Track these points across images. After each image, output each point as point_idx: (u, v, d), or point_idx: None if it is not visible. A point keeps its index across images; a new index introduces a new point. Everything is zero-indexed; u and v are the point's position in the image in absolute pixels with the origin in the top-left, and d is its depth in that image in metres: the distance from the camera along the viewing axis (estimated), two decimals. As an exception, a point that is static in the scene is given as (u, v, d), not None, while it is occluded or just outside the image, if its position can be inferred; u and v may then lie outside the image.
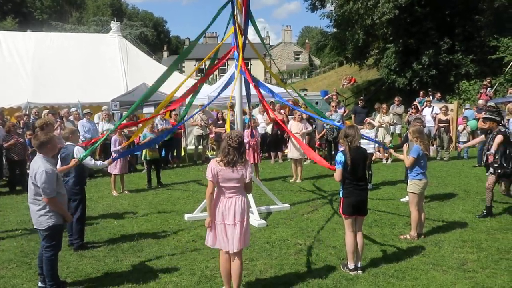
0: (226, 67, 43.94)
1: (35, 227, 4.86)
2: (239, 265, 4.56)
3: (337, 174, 5.30)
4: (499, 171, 7.14)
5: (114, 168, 9.76)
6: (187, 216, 7.74)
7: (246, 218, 4.58)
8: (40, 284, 4.99)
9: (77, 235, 6.24)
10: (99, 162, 6.65)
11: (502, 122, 7.34)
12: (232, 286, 4.61)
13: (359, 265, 5.30)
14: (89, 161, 6.14)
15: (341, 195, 5.38)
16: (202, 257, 5.84)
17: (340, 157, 5.29)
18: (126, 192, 10.01)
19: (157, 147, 11.10)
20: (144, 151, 10.75)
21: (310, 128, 12.12)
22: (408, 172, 6.57)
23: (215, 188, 4.55)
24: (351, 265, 5.28)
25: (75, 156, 6.05)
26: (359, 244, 5.33)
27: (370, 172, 9.75)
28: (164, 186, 10.60)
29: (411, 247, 6.02)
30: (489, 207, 7.37)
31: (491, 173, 7.29)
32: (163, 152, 13.33)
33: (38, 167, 4.66)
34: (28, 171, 9.89)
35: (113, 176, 9.90)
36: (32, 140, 4.98)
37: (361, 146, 9.70)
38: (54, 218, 4.73)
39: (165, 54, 64.76)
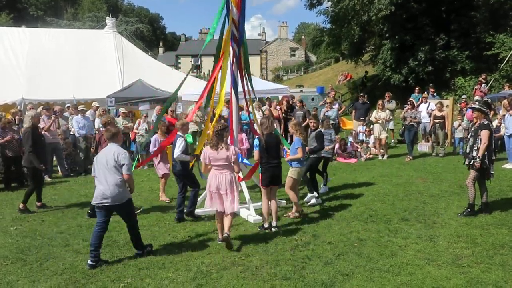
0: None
1: (111, 203, 5.43)
2: (230, 218, 5.97)
3: (256, 155, 6.75)
4: (477, 164, 7.02)
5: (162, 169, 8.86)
6: (183, 212, 7.75)
7: (235, 188, 5.94)
8: (90, 261, 5.42)
9: (191, 204, 7.46)
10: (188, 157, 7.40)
11: (489, 116, 7.30)
12: (224, 232, 5.87)
13: (273, 224, 6.69)
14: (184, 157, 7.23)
15: (259, 171, 6.79)
16: (198, 253, 5.84)
17: (256, 142, 6.72)
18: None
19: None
20: None
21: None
22: (290, 161, 7.32)
23: (210, 165, 6.00)
24: (266, 224, 6.71)
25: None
26: (273, 208, 6.74)
27: (325, 174, 9.27)
28: None
29: (406, 242, 6.04)
30: (471, 204, 7.21)
31: (470, 167, 7.17)
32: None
33: (119, 150, 5.51)
34: (24, 168, 9.88)
35: (163, 180, 8.98)
36: (104, 132, 5.93)
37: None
38: (129, 193, 5.65)
39: (161, 50, 64.55)
